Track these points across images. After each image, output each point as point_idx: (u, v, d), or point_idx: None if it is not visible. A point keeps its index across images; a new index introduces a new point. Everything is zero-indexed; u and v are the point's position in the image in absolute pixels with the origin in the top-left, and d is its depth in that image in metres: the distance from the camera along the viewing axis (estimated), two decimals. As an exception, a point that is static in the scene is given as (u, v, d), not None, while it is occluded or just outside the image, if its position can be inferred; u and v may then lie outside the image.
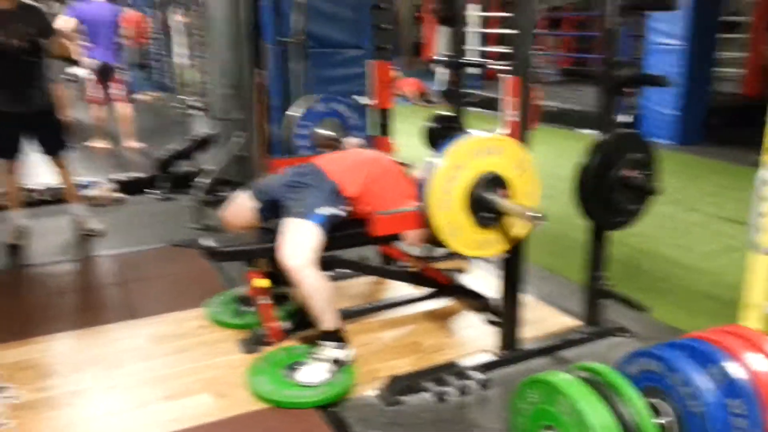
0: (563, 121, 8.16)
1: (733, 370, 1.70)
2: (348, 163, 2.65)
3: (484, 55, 10.63)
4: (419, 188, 2.35)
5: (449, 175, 2.08)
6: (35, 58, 3.66)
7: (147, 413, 2.20)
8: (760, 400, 1.68)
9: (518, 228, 2.28)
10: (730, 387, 1.70)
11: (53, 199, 4.69)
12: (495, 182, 2.14)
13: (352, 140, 3.18)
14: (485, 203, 2.13)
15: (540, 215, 1.97)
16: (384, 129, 3.31)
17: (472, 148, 2.09)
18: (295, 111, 3.31)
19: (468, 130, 2.21)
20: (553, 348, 2.66)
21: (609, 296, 2.74)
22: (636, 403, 1.66)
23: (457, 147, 2.09)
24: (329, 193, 2.47)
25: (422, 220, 2.39)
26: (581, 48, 12.56)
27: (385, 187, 2.61)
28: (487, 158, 2.13)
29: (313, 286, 2.31)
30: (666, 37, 6.89)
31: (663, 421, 1.77)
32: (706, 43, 6.97)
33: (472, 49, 10.54)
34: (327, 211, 2.41)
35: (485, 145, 2.11)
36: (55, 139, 3.89)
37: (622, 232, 2.89)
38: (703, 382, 1.71)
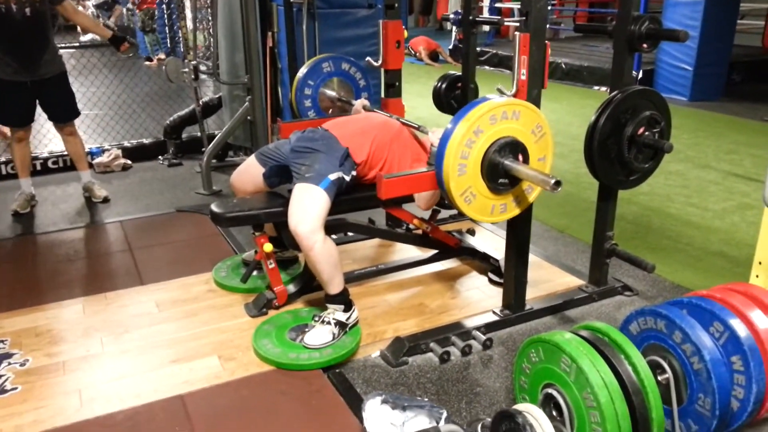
0: (577, 78, 8.00)
1: (736, 327, 1.68)
2: (357, 128, 2.62)
3: (498, 11, 10.40)
4: (433, 154, 2.32)
5: (465, 140, 2.02)
6: (42, 25, 3.64)
7: (156, 377, 2.24)
8: (761, 356, 1.67)
9: (533, 193, 2.25)
10: (732, 344, 1.68)
11: (62, 166, 4.73)
12: (512, 147, 2.08)
13: (359, 101, 3.13)
14: (502, 169, 2.08)
15: (559, 181, 1.94)
16: (394, 90, 3.26)
17: (489, 113, 2.03)
18: (300, 72, 3.26)
19: (482, 96, 2.12)
20: (558, 308, 2.65)
21: (617, 255, 2.71)
22: (638, 362, 1.65)
23: (473, 112, 2.02)
24: (340, 159, 2.46)
25: (435, 185, 2.37)
26: (599, 2, 12.25)
27: (393, 151, 2.60)
28: (504, 123, 2.07)
29: (322, 251, 2.31)
30: (685, -12, 6.68)
31: (665, 379, 1.76)
32: (728, -7, 6.75)
33: (486, 5, 10.32)
34: (335, 175, 2.40)
35: (502, 110, 2.05)
36: (65, 107, 3.89)
37: (632, 190, 2.85)
38: (704, 339, 1.69)
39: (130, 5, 12.04)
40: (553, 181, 1.94)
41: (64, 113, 3.90)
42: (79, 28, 10.37)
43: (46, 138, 4.98)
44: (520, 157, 2.11)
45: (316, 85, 3.24)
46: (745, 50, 8.27)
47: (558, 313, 2.64)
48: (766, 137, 5.38)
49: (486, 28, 10.08)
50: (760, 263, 2.43)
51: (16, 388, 2.17)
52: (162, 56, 9.77)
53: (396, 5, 3.15)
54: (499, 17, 3.93)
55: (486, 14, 9.70)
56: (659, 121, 2.42)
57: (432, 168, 2.39)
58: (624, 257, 2.69)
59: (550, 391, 1.74)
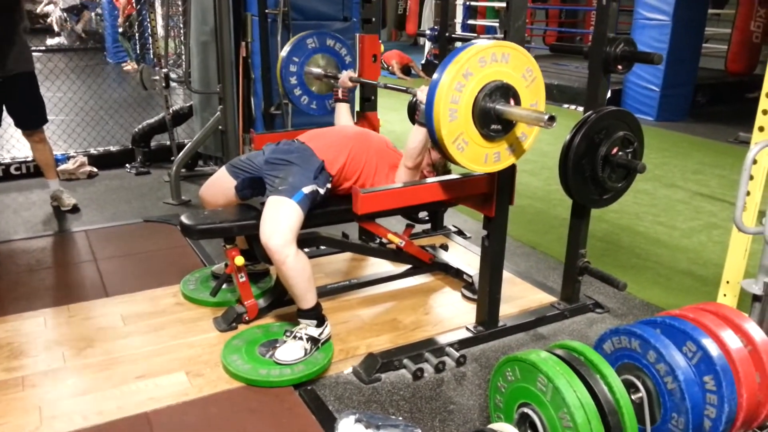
0: (547, 96, 8.04)
1: (708, 347, 1.70)
2: (333, 139, 2.60)
3: (471, 27, 10.53)
4: (423, 113, 2.25)
5: (455, 84, 1.98)
6: (8, 16, 3.48)
7: (120, 393, 2.16)
8: (733, 376, 1.68)
9: (527, 141, 2.19)
10: (705, 364, 1.70)
11: (25, 172, 4.60)
12: (503, 91, 2.03)
13: (346, 73, 3.09)
14: (494, 113, 2.02)
15: (553, 116, 1.89)
16: (370, 104, 3.24)
17: (478, 55, 1.97)
18: (284, 51, 3.18)
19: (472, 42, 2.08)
20: (531, 324, 2.65)
21: (589, 273, 2.73)
22: (613, 382, 1.65)
23: (462, 54, 1.96)
24: (315, 172, 2.43)
25: (410, 200, 2.33)
26: (568, 22, 12.50)
27: (370, 161, 2.58)
28: (493, 66, 2.01)
29: (294, 265, 2.27)
30: (654, 11, 6.84)
31: (639, 398, 1.77)
32: (694, 18, 6.93)
33: (459, 22, 10.44)
34: (309, 188, 2.37)
35: (491, 52, 1.99)
36: (32, 113, 3.73)
37: (603, 208, 2.89)
38: (678, 359, 1.71)
39: (98, 10, 11.85)
40: (547, 117, 1.88)
41: (32, 119, 3.74)
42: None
43: (8, 143, 4.84)
44: (512, 102, 2.05)
45: (301, 62, 3.17)
46: (710, 73, 8.51)
47: (531, 329, 2.64)
48: (730, 158, 5.52)
49: (459, 44, 10.20)
50: (728, 282, 2.48)
51: (-29, 405, 2.08)
52: (134, 64, 9.63)
53: (373, 19, 3.14)
54: (475, 34, 3.98)
55: (459, 31, 9.80)
56: (632, 141, 2.46)
57: (411, 181, 2.38)
58: (596, 275, 2.71)
59: (525, 410, 1.73)
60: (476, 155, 2.10)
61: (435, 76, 2.00)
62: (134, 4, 9.94)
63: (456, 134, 2.02)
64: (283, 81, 3.16)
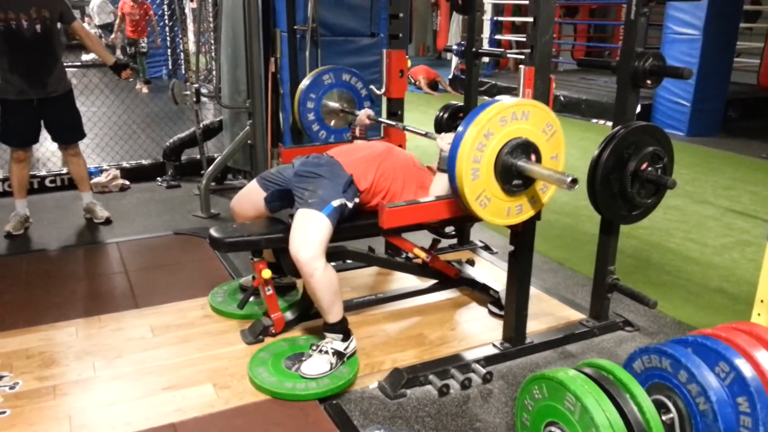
0: (575, 111, 8.06)
1: (742, 368, 1.66)
2: (361, 155, 2.61)
3: (497, 43, 10.53)
4: (444, 159, 2.31)
5: (477, 144, 2.00)
6: (51, 43, 3.63)
7: (148, 404, 2.18)
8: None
9: (548, 192, 2.22)
10: (738, 385, 1.66)
11: (59, 185, 4.71)
12: (524, 148, 2.07)
13: (363, 111, 3.13)
14: (516, 170, 2.06)
15: (575, 178, 1.91)
16: (397, 118, 3.27)
17: (498, 115, 2.01)
18: (302, 85, 3.27)
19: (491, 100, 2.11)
20: (559, 342, 2.62)
21: (618, 290, 2.69)
22: (643, 402, 1.62)
23: (482, 115, 2.01)
24: (344, 185, 2.44)
25: (437, 214, 2.35)
26: (597, 37, 12.42)
27: (397, 179, 2.58)
28: (514, 124, 2.05)
29: (322, 279, 2.28)
30: (684, 26, 6.77)
31: (670, 419, 1.73)
32: (726, 32, 6.83)
33: (486, 37, 10.45)
34: (338, 202, 2.38)
35: (511, 111, 2.03)
36: (71, 129, 3.86)
37: (632, 224, 2.85)
38: (710, 380, 1.67)
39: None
40: (569, 179, 1.90)
41: (70, 135, 3.87)
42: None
43: (44, 156, 4.97)
44: (533, 157, 2.09)
45: (318, 97, 3.24)
46: (742, 88, 8.38)
47: (559, 347, 2.60)
48: (763, 174, 5.41)
49: (486, 59, 10.20)
50: (762, 301, 2.42)
51: (4, 412, 2.12)
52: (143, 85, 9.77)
53: (400, 35, 3.17)
54: (501, 50, 3.98)
55: (486, 46, 9.81)
56: (662, 156, 2.42)
57: (441, 198, 2.39)
58: (626, 292, 2.67)
59: (553, 429, 1.70)
60: (499, 210, 2.15)
61: (459, 129, 2.04)
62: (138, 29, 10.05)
63: (479, 192, 2.08)
64: (301, 117, 3.22)
